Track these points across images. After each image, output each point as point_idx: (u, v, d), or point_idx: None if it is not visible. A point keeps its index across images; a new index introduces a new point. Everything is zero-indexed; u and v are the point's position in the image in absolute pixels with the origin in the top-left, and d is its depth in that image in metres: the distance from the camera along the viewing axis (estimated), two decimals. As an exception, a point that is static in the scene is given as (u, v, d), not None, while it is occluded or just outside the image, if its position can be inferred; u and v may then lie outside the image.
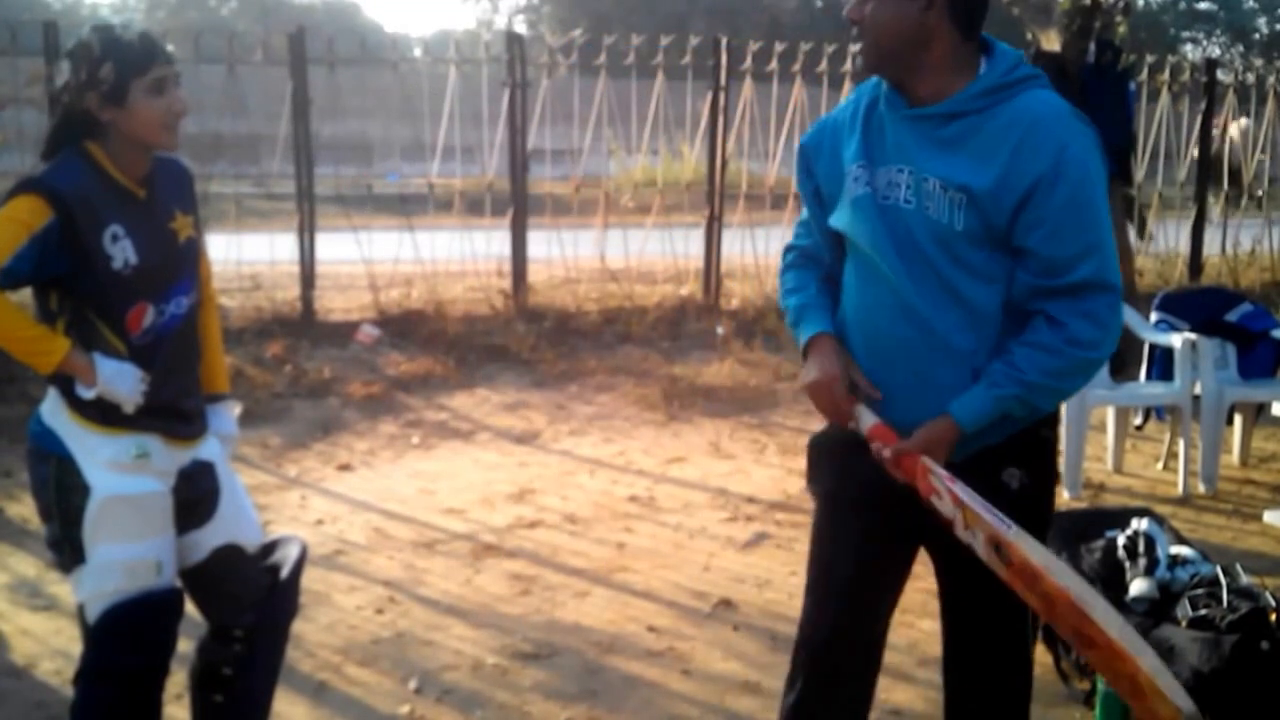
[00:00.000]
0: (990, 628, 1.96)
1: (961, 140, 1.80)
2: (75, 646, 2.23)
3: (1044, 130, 1.76)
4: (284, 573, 2.38)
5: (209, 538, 2.28)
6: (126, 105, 2.06)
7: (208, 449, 2.30)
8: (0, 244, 1.98)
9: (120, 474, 2.12)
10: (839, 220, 1.96)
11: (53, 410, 2.15)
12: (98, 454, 2.11)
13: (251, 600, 2.33)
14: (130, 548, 2.13)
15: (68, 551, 2.15)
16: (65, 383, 2.11)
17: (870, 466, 1.92)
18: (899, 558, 2.03)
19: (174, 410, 2.19)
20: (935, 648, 2.16)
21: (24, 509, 4.25)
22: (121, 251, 2.07)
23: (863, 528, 1.99)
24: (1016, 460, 1.89)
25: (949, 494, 1.79)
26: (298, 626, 3.14)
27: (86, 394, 2.08)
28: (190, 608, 2.32)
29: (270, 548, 2.42)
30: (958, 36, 1.81)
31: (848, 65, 7.43)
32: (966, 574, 1.89)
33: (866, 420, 1.89)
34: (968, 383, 1.83)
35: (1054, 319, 1.78)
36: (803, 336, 1.98)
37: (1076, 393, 1.92)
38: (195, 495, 2.25)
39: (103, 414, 2.11)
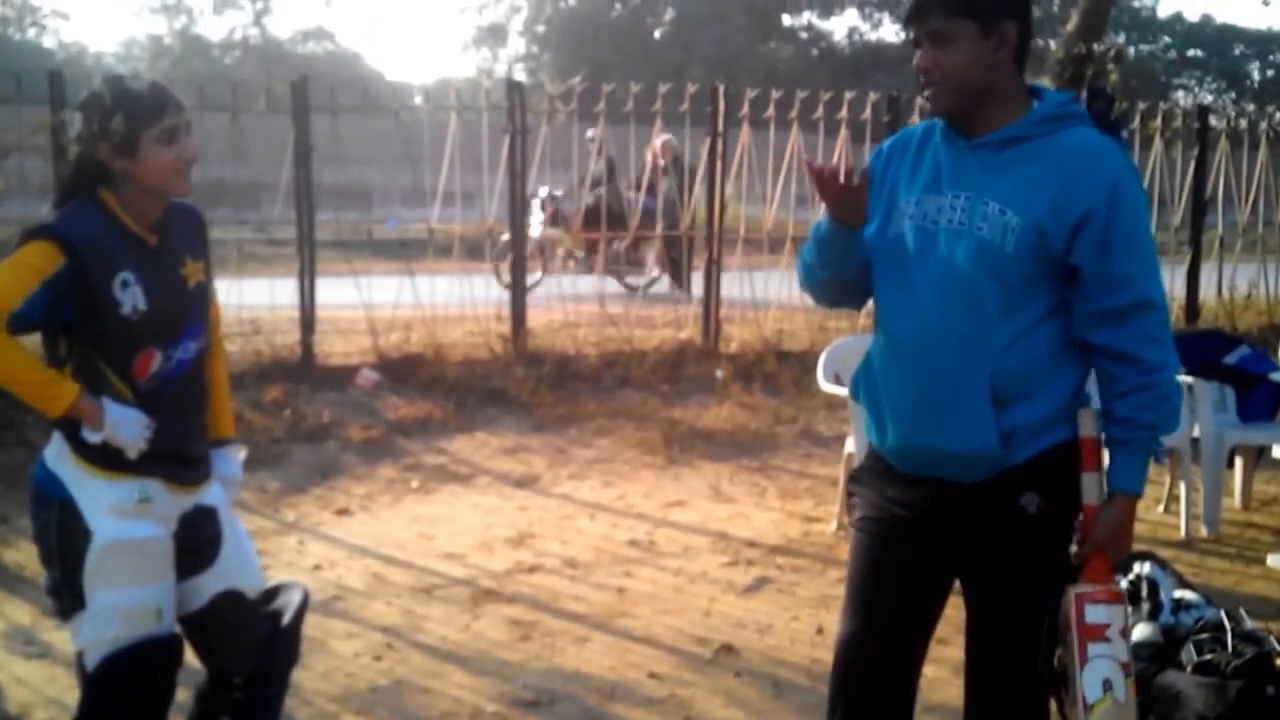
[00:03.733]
0: (1011, 664, 2.00)
1: (1015, 164, 1.91)
2: (69, 695, 2.23)
3: (1097, 162, 1.89)
4: (285, 619, 2.37)
5: (210, 584, 2.27)
6: (138, 156, 2.08)
7: (211, 494, 2.30)
8: (12, 289, 2.00)
9: (122, 519, 2.12)
10: (873, 239, 2.03)
11: (56, 455, 2.15)
12: (100, 499, 2.11)
13: (252, 647, 2.31)
14: (130, 593, 2.12)
15: (68, 598, 2.14)
16: (70, 427, 2.12)
17: (909, 495, 1.99)
18: (934, 585, 2.06)
19: (178, 455, 2.20)
20: (936, 694, 2.15)
21: (19, 555, 4.22)
22: (131, 298, 2.09)
23: (900, 553, 2.03)
24: (1035, 485, 1.92)
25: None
26: (294, 674, 3.10)
27: (92, 438, 2.09)
28: (189, 654, 2.30)
29: (272, 594, 2.40)
30: (1015, 69, 1.94)
31: (842, 112, 7.53)
32: (996, 611, 1.99)
33: (1087, 494, 1.95)
34: (973, 403, 1.88)
35: (1122, 355, 1.88)
36: (821, 221, 2.03)
37: (1181, 408, 2.05)
38: (197, 541, 2.25)
39: (106, 459, 2.11)
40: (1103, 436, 1.94)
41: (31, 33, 29.88)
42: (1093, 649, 1.91)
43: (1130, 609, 3.03)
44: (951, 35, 1.88)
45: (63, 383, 2.07)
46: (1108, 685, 1.91)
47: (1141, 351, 1.88)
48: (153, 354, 2.14)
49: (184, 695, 2.33)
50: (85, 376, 2.10)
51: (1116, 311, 1.88)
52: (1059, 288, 1.91)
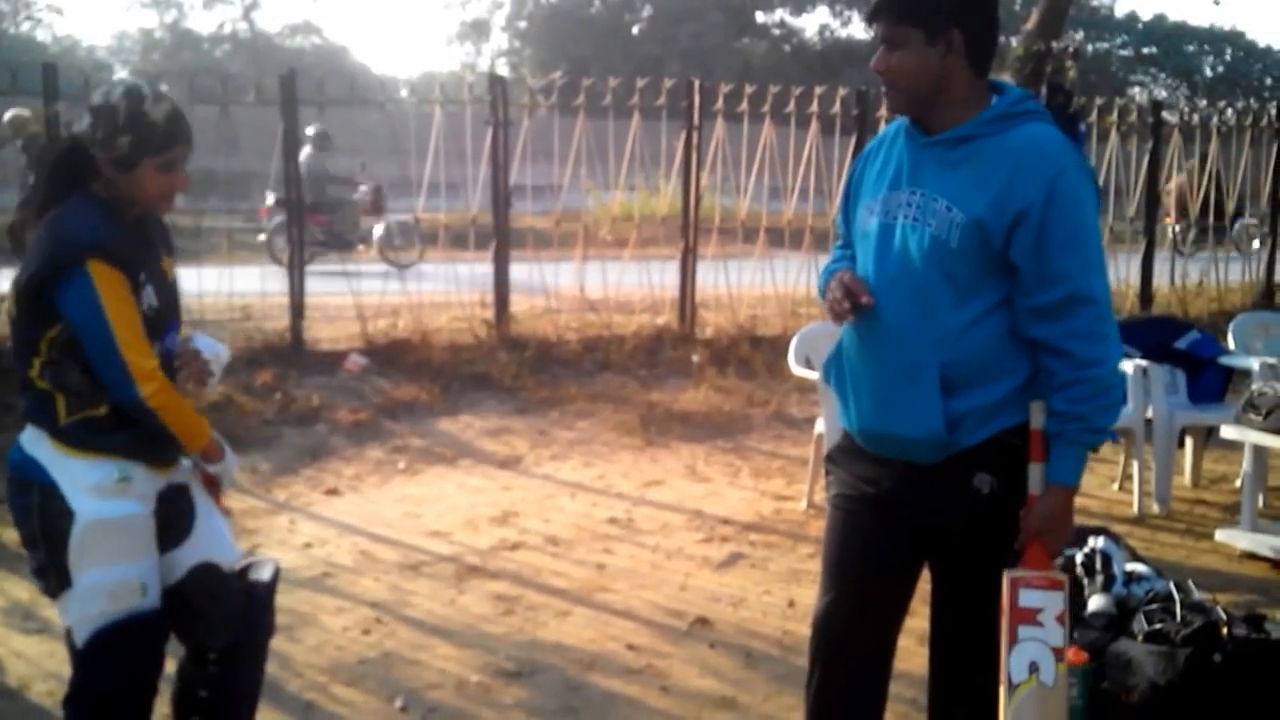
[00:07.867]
0: (971, 639, 2.08)
1: (966, 162, 1.96)
2: (68, 669, 2.25)
3: (1041, 157, 1.91)
4: (258, 594, 2.40)
5: (187, 556, 2.30)
6: (133, 175, 2.12)
7: (182, 473, 2.34)
8: (140, 338, 2.11)
9: (103, 498, 2.14)
10: (850, 234, 2.16)
11: (33, 439, 2.17)
12: (81, 479, 2.14)
13: (225, 622, 2.33)
14: (114, 570, 2.15)
15: (54, 577, 2.17)
16: (42, 409, 2.14)
17: (876, 473, 2.08)
18: (904, 559, 2.13)
19: (159, 437, 2.22)
20: (902, 662, 2.28)
21: (16, 534, 4.30)
22: (148, 297, 2.16)
23: (871, 528, 2.11)
24: (988, 466, 1.98)
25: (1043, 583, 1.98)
26: (285, 647, 3.17)
27: (212, 469, 2.29)
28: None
29: (245, 570, 2.43)
30: (971, 74, 1.99)
31: (813, 107, 7.66)
32: (956, 587, 2.07)
33: (1031, 484, 1.98)
34: (923, 391, 1.96)
35: (1056, 350, 1.91)
36: (821, 281, 2.17)
37: (1124, 401, 2.06)
38: (173, 516, 2.28)
39: (83, 437, 2.15)
40: None
41: (25, 26, 29.58)
42: (1023, 631, 1.95)
43: (1087, 584, 3.16)
44: (900, 41, 1.96)
45: (204, 420, 2.24)
46: (1034, 668, 1.95)
47: (1075, 347, 1.89)
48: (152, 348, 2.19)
49: (173, 668, 2.38)
50: (79, 374, 2.13)
51: (1051, 306, 1.90)
52: (1007, 280, 1.94)
